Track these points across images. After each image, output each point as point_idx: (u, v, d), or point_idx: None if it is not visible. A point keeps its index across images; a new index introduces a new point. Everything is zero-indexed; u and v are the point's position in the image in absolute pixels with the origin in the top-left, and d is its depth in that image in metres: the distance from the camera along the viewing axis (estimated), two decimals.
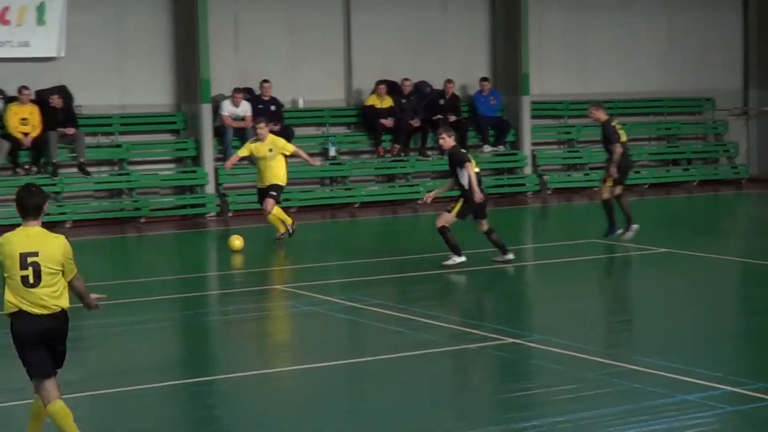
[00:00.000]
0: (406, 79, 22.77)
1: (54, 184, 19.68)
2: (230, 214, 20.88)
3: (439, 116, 22.78)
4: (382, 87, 22.49)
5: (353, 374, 10.41)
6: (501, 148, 23.74)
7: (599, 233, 16.94)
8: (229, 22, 21.85)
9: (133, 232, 19.68)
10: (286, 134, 21.32)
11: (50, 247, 7.31)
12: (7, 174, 19.82)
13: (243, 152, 17.58)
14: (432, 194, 15.62)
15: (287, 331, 12.39)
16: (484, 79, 23.56)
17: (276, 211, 17.20)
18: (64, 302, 7.38)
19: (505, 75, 24.19)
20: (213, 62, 20.98)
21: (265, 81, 21.45)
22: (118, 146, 20.88)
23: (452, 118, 22.89)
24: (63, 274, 7.39)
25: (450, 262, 14.91)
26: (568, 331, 11.64)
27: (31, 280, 7.23)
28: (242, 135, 21.07)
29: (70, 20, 20.27)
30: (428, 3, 23.85)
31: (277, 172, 17.34)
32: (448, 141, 14.88)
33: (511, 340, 11.09)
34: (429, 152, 23.02)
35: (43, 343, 7.37)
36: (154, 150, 21.47)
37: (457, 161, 14.74)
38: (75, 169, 20.08)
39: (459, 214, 14.85)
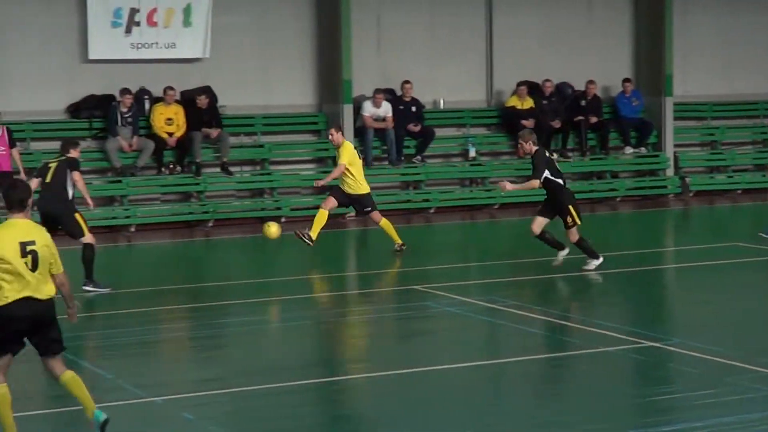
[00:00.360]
0: (547, 80, 22.63)
1: (197, 184, 20.19)
2: None
3: (581, 117, 22.61)
4: (523, 88, 22.40)
5: (491, 375, 10.37)
6: (643, 149, 23.43)
7: (742, 236, 16.57)
8: (372, 22, 22.05)
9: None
10: (427, 135, 21.47)
11: (43, 236, 7.79)
12: (152, 173, 20.38)
13: (346, 159, 16.68)
14: (509, 184, 15.30)
15: (425, 332, 12.36)
16: (626, 80, 23.28)
17: (383, 223, 16.75)
18: (53, 290, 7.87)
19: (648, 76, 23.82)
20: (355, 63, 21.20)
21: (407, 82, 21.58)
22: (261, 146, 21.25)
23: (593, 119, 22.71)
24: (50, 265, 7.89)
25: (590, 266, 14.65)
26: (707, 334, 11.42)
27: (30, 267, 7.67)
28: (383, 136, 21.26)
29: (215, 22, 20.73)
30: (570, 3, 23.68)
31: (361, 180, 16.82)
32: (526, 147, 14.49)
33: (650, 343, 10.92)
34: (570, 154, 22.84)
35: (33, 328, 7.79)
36: (295, 150, 21.79)
37: (533, 166, 14.45)
38: (218, 169, 20.53)
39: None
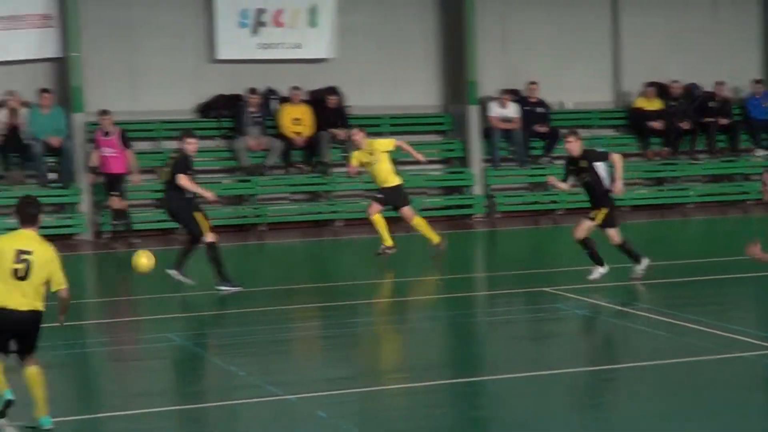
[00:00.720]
0: (675, 81, 22.31)
1: (325, 183, 20.37)
2: (498, 216, 20.99)
3: (710, 119, 22.19)
4: (651, 89, 22.13)
5: (622, 379, 10.25)
6: None
7: None
8: (496, 23, 21.96)
9: (401, 232, 20.00)
10: (553, 136, 21.29)
11: (44, 251, 8.09)
12: (281, 173, 20.62)
13: (355, 162, 16.85)
14: (555, 181, 14.93)
15: (556, 334, 12.27)
16: (757, 81, 22.82)
17: (417, 222, 16.48)
18: (41, 305, 8.09)
19: None
20: (480, 63, 21.15)
21: (533, 83, 21.47)
22: None
23: (723, 121, 22.27)
24: (47, 282, 8.12)
25: (595, 275, 14.09)
26: None
27: (21, 274, 7.97)
28: (510, 137, 21.17)
29: (341, 22, 20.91)
30: (698, 3, 23.31)
31: (385, 176, 16.56)
32: (575, 145, 14.09)
33: None
34: (699, 155, 22.43)
35: (15, 336, 8.06)
36: (421, 151, 21.77)
37: (595, 157, 14.02)
38: (345, 169, 20.63)
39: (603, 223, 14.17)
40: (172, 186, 13.87)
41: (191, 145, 14.02)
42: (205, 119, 20.81)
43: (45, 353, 9.00)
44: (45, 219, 18.68)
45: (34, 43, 19.75)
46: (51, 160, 19.42)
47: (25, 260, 7.99)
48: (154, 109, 20.32)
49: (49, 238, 9.77)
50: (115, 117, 19.02)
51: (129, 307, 14.72)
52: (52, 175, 19.46)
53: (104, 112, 18.83)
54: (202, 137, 21.72)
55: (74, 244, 19.19)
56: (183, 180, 13.68)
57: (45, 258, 8.06)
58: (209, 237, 13.91)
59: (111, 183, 18.74)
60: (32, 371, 8.11)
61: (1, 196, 18.86)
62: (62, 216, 19.47)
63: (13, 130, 19.06)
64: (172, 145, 20.15)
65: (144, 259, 13.30)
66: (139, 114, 20.09)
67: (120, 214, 18.81)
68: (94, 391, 10.36)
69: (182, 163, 13.86)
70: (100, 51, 19.98)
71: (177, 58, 20.58)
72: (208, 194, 14.26)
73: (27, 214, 8.24)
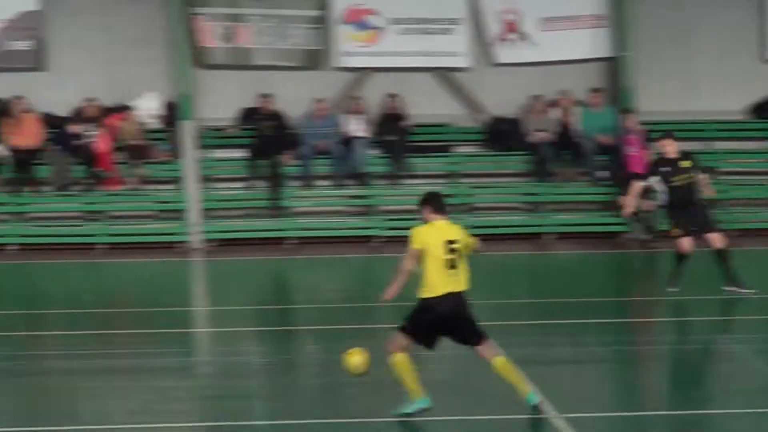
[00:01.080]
0: None
1: None
2: None
3: None
4: None
5: None
6: None
7: None
8: None
9: None
10: None
11: (462, 235, 8.96)
12: None
13: None
14: None
15: None
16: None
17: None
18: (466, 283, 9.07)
19: None
20: None
21: None
22: None
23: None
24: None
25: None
26: None
27: (453, 264, 8.86)
28: None
29: None
30: None
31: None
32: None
33: None
34: None
35: (452, 319, 8.83)
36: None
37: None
38: None
39: None
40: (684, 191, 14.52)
41: (668, 146, 14.70)
42: (759, 120, 21.46)
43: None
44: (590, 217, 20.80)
45: (588, 43, 21.38)
46: (601, 158, 20.80)
47: (454, 249, 8.85)
48: (705, 110, 21.34)
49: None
50: (666, 117, 20.17)
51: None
52: (602, 173, 20.81)
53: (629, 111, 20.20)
54: (754, 138, 22.93)
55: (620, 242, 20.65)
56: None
57: (465, 242, 8.99)
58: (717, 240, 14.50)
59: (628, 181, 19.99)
60: (499, 363, 8.95)
61: (554, 192, 20.88)
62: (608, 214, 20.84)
63: (565, 128, 20.75)
64: (724, 145, 21.91)
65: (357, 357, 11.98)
66: (690, 114, 21.10)
67: (645, 213, 19.54)
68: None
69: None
70: (651, 51, 21.31)
71: (729, 57, 21.53)
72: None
73: (443, 204, 9.10)
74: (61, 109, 22.79)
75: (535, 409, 9.04)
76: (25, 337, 15.49)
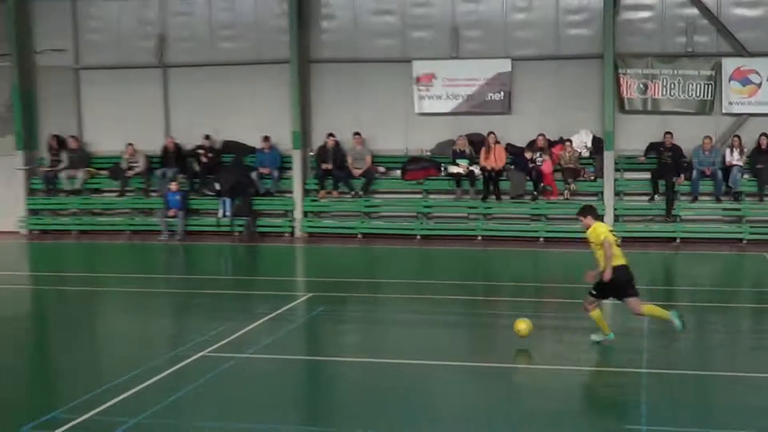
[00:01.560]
0: None
1: None
2: None
3: None
4: None
5: None
6: None
7: None
8: None
9: None
10: None
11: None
12: None
13: None
14: None
15: None
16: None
17: None
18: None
19: None
20: None
21: None
22: None
23: None
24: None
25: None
26: None
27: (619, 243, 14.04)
28: None
29: None
30: None
31: None
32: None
33: None
34: None
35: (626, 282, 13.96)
36: None
37: None
38: None
39: None
40: None
41: None
42: None
43: None
44: None
45: None
46: None
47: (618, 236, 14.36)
48: None
49: None
50: None
51: None
52: None
53: None
54: None
55: None
56: None
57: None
58: None
59: None
60: (646, 309, 13.99)
61: None
62: None
63: None
64: None
65: (522, 326, 14.63)
66: None
67: None
68: None
69: None
70: None
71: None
72: None
73: (596, 212, 14.42)
74: (520, 141, 27.79)
75: (682, 325, 13.66)
76: (484, 302, 19.14)
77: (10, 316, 18.98)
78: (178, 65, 30.68)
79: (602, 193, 27.00)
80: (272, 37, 29.78)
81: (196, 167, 29.79)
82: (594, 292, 14.19)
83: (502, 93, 28.27)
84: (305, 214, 29.07)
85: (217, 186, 28.87)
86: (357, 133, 28.85)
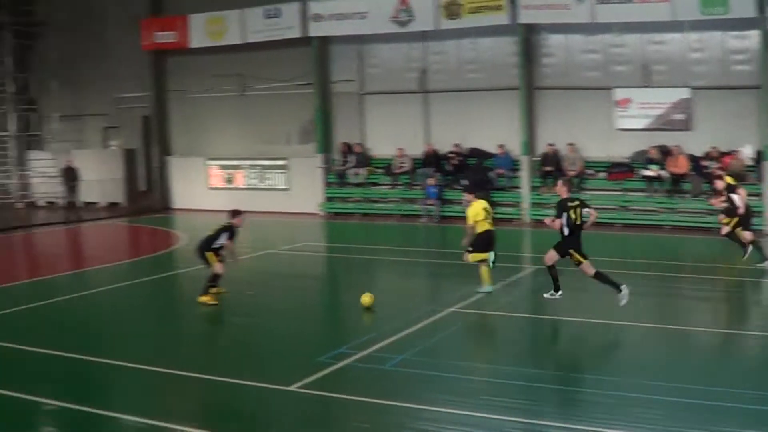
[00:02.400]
0: None
1: None
2: None
3: None
4: None
5: None
6: None
7: None
8: None
9: None
10: None
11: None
12: None
13: None
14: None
15: None
16: None
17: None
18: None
19: None
20: None
21: None
22: None
23: None
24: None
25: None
26: None
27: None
28: None
29: None
30: None
31: None
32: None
33: None
34: None
35: None
36: None
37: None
38: None
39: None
40: None
41: None
42: None
43: None
44: None
45: None
46: None
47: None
48: None
49: None
50: None
51: None
52: None
53: None
54: None
55: None
56: None
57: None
58: None
59: None
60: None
61: None
62: None
63: None
64: None
65: (365, 299, 16.83)
66: None
67: None
68: None
69: None
70: None
71: None
72: None
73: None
74: (697, 151, 30.57)
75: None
76: (675, 278, 20.14)
77: (310, 274, 22.24)
78: (435, 91, 35.51)
79: (762, 194, 29.21)
80: (506, 70, 33.95)
81: (448, 167, 34.33)
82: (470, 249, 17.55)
83: (683, 114, 30.86)
84: (531, 205, 32.92)
85: (464, 182, 32.59)
86: (571, 144, 32.61)
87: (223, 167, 40.02)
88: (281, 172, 38.30)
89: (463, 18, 32.73)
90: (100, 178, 42.62)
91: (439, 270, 22.63)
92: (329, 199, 36.68)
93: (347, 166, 36.39)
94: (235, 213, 18.36)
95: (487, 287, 18.32)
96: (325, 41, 36.69)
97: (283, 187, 38.15)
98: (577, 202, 17.14)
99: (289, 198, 37.73)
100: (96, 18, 44.21)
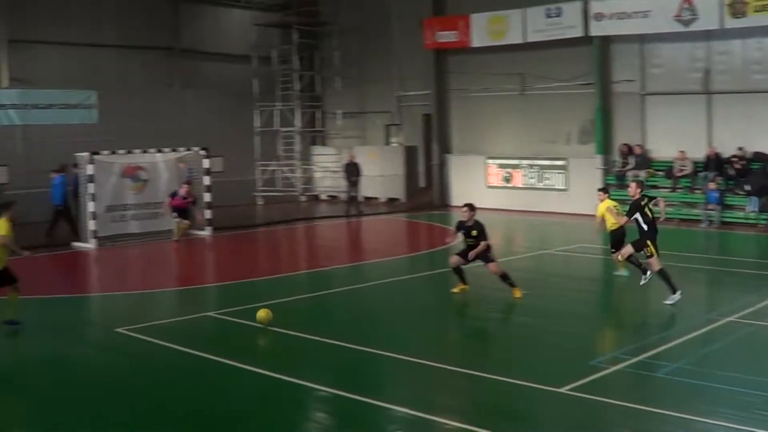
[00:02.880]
0: None
1: None
2: None
3: None
4: None
5: None
6: None
7: None
8: None
9: None
10: None
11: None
12: None
13: None
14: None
15: None
16: None
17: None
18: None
19: None
20: None
21: None
22: None
23: None
24: None
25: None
26: None
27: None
28: None
29: None
30: None
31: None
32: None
33: None
34: None
35: None
36: None
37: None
38: None
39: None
40: None
41: None
42: None
43: None
44: None
45: None
46: None
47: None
48: None
49: None
50: None
51: None
52: None
53: None
54: None
55: None
56: None
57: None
58: None
59: None
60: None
61: None
62: None
63: None
64: None
65: (261, 314, 17.06)
66: None
67: None
68: None
69: None
70: None
71: None
72: None
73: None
74: None
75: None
76: None
77: (585, 276, 22.44)
78: (718, 92, 35.30)
79: None
80: None
81: (731, 172, 34.21)
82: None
83: None
84: None
85: (747, 187, 33.16)
86: None
87: (502, 166, 41.45)
88: (560, 173, 38.93)
89: (749, 17, 32.49)
90: (381, 174, 43.98)
91: (718, 277, 22.84)
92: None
93: (627, 168, 36.56)
94: None
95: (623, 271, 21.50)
96: (606, 40, 37.17)
97: (561, 187, 38.71)
98: (646, 200, 19.12)
99: (567, 199, 38.23)
100: (380, 19, 46.45)
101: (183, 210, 31.94)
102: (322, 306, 19.76)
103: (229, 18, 48.05)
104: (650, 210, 18.87)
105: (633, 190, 19.40)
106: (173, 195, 32.00)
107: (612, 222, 21.46)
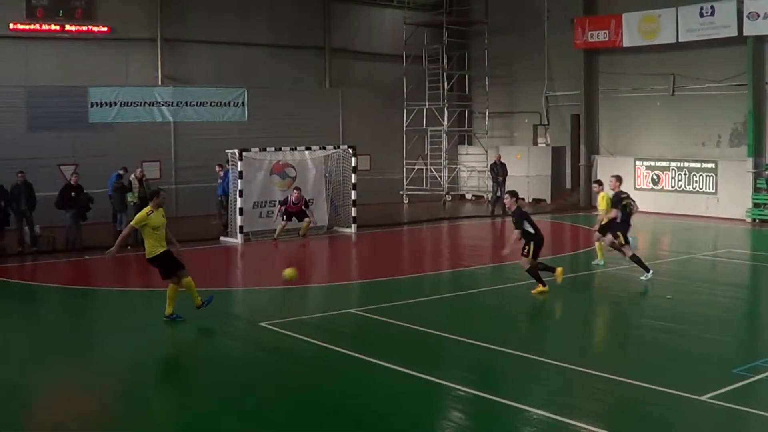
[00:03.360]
0: None
1: None
2: None
3: None
4: None
5: None
6: None
7: None
8: None
9: None
10: None
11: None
12: None
13: None
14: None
15: None
16: None
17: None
18: None
19: None
20: None
21: None
22: None
23: None
24: None
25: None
26: None
27: None
28: None
29: None
30: None
31: None
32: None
33: None
34: None
35: None
36: None
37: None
38: None
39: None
40: None
41: None
42: None
43: None
44: None
45: None
46: None
47: None
48: None
49: None
50: None
51: None
52: None
53: None
54: None
55: None
56: None
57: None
58: None
59: None
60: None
61: None
62: None
63: None
64: None
65: (288, 272, 19.17)
66: None
67: None
68: None
69: None
70: None
71: None
72: None
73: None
74: None
75: None
76: None
77: (731, 282, 22.37)
78: None
79: None
80: None
81: None
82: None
83: None
84: None
85: None
86: None
87: (650, 168, 40.80)
88: (709, 175, 38.61)
89: None
90: (527, 174, 43.94)
91: None
92: (757, 206, 36.90)
93: None
94: None
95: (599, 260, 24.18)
96: (761, 40, 36.64)
97: (710, 191, 38.52)
98: (625, 195, 22.39)
99: (715, 202, 38.02)
100: (531, 18, 46.40)
101: (298, 213, 32.34)
102: (464, 305, 20.04)
103: (379, 17, 48.82)
104: (629, 206, 22.24)
105: (613, 185, 22.74)
106: (284, 202, 32.35)
107: (602, 208, 23.62)
